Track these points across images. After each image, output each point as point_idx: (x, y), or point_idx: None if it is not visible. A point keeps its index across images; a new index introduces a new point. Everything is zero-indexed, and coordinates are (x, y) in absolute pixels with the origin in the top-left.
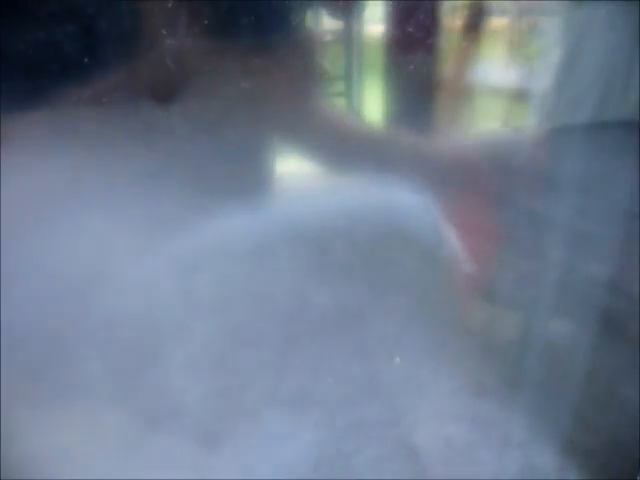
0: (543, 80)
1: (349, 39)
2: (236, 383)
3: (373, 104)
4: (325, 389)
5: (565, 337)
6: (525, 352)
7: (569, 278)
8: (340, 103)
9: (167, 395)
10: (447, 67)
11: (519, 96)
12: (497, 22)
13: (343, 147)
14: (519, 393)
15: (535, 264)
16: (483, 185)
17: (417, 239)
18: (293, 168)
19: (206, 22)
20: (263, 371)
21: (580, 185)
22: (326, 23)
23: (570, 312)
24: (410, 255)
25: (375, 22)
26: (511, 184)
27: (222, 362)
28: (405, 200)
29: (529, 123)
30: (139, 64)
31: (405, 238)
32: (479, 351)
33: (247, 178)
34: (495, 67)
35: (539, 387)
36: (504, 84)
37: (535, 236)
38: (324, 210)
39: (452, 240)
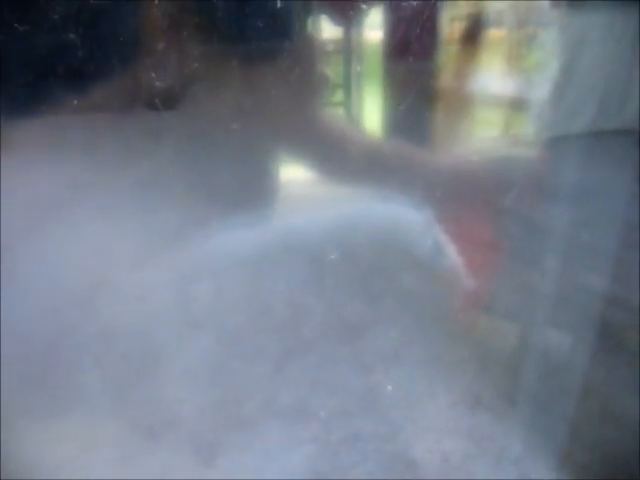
0: (541, 90)
1: (348, 48)
2: (233, 395)
3: (372, 113)
4: (322, 402)
5: (564, 350)
6: (523, 365)
7: (568, 289)
8: (340, 112)
9: (164, 407)
10: (446, 76)
11: (518, 106)
12: (496, 33)
13: (343, 158)
14: (516, 407)
15: (534, 276)
16: (482, 197)
17: (417, 254)
18: (293, 177)
19: (207, 31)
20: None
21: (578, 195)
22: (326, 32)
23: (569, 325)
24: (409, 270)
25: (374, 31)
26: (510, 195)
27: (223, 374)
28: (405, 215)
29: (528, 132)
30: (139, 72)
31: (405, 253)
32: (477, 364)
33: (246, 187)
34: (494, 77)
35: (536, 400)
36: (503, 94)
37: (534, 246)
38: (323, 223)
39: (452, 255)
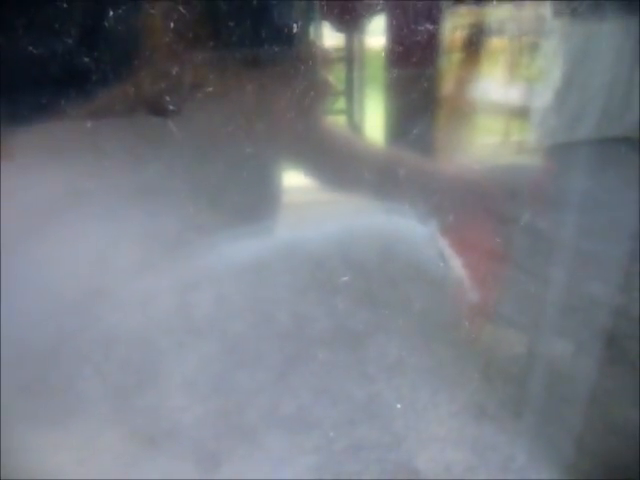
0: (543, 98)
1: (351, 55)
2: (235, 404)
3: (375, 121)
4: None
5: (568, 360)
6: (527, 375)
7: (572, 299)
8: (343, 120)
9: (165, 415)
10: (449, 84)
11: (520, 113)
12: (498, 42)
13: (346, 166)
14: (519, 416)
15: (538, 285)
16: (486, 207)
17: (422, 266)
18: (297, 185)
19: (209, 38)
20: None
21: (581, 203)
22: (329, 39)
23: (573, 334)
24: (413, 281)
25: (377, 38)
26: (513, 204)
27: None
28: (409, 226)
29: (530, 140)
30: (143, 77)
31: (409, 265)
32: (481, 374)
33: (250, 195)
34: (496, 85)
35: (540, 410)
36: (505, 102)
37: (537, 256)
38: (326, 234)
39: (457, 266)
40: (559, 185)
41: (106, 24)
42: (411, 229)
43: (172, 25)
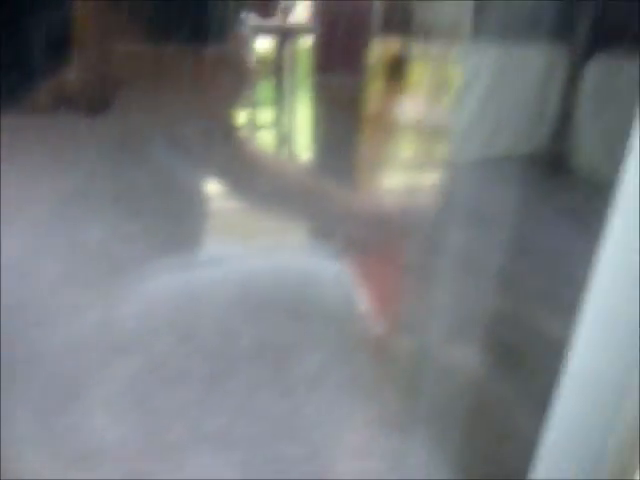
0: (461, 117)
1: (279, 62)
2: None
3: (300, 134)
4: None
5: (471, 370)
6: (431, 386)
7: (477, 312)
8: (267, 135)
9: (88, 434)
10: (373, 102)
11: (438, 132)
12: (422, 61)
13: (265, 191)
14: (427, 425)
15: (444, 302)
16: (395, 235)
17: (331, 307)
18: (215, 194)
19: (136, 31)
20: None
21: (489, 218)
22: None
23: (477, 345)
24: (323, 321)
25: (305, 41)
26: (423, 224)
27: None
28: (320, 267)
29: (447, 157)
30: (65, 73)
31: (320, 306)
32: (391, 387)
33: (171, 200)
34: (418, 103)
35: (442, 419)
36: (425, 121)
37: (446, 275)
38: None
39: (363, 303)
40: (470, 202)
41: (32, 17)
42: (321, 267)
43: (96, 18)
